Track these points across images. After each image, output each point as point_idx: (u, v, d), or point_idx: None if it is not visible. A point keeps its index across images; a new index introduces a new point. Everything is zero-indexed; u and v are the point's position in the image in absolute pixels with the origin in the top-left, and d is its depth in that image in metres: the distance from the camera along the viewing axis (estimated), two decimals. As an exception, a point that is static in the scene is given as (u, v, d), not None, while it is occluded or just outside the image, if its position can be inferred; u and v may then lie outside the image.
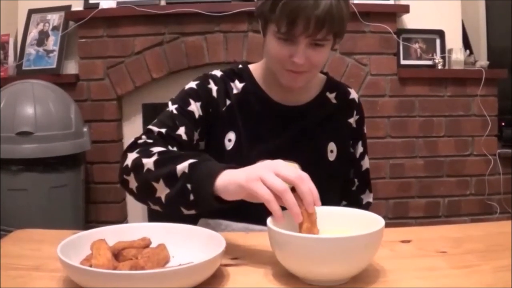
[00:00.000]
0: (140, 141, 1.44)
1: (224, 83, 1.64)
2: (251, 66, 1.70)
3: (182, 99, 1.58)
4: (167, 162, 1.28)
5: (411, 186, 3.81)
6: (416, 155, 3.80)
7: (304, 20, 1.40)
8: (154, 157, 1.31)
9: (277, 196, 1.08)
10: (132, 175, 1.35)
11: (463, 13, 3.91)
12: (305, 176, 1.12)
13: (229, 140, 1.60)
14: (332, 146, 1.66)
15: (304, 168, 1.59)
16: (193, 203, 1.21)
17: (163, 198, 1.27)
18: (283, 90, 1.61)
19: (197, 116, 1.56)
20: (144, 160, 1.32)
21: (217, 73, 1.67)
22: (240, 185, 1.12)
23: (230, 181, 1.15)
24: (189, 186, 1.21)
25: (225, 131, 1.60)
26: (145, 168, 1.30)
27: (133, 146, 1.42)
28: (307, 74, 1.53)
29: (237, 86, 1.65)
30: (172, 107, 1.56)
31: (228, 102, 1.62)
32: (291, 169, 1.13)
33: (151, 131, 1.49)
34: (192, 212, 1.25)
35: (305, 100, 1.67)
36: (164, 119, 1.53)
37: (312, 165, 1.60)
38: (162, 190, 1.27)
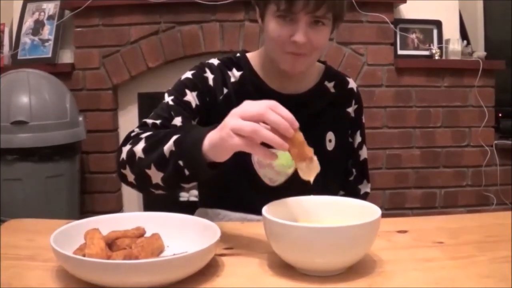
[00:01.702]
0: (133, 133, 1.42)
1: (221, 71, 1.62)
2: (249, 55, 1.69)
3: (178, 90, 1.57)
4: (154, 146, 1.26)
5: (407, 177, 3.81)
6: (413, 146, 3.79)
7: None
8: (142, 144, 1.30)
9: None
10: (127, 168, 1.33)
11: (461, 3, 3.90)
12: (272, 104, 1.10)
13: None
14: (330, 135, 1.66)
15: None
16: (190, 176, 1.20)
17: (160, 182, 1.26)
18: (281, 78, 1.59)
19: (193, 105, 1.55)
20: (135, 149, 1.30)
21: (214, 61, 1.65)
22: (220, 146, 1.12)
23: (211, 145, 1.14)
24: (180, 162, 1.19)
25: (223, 120, 1.59)
26: (137, 157, 1.29)
27: (126, 140, 1.40)
28: (307, 57, 1.51)
29: (234, 74, 1.63)
30: (168, 99, 1.55)
31: (225, 90, 1.61)
32: (255, 105, 1.11)
33: (145, 123, 1.48)
34: (195, 183, 1.27)
35: (304, 89, 1.66)
36: (159, 112, 1.52)
37: None
38: (156, 175, 1.25)
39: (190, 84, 1.58)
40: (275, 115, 1.08)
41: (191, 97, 1.56)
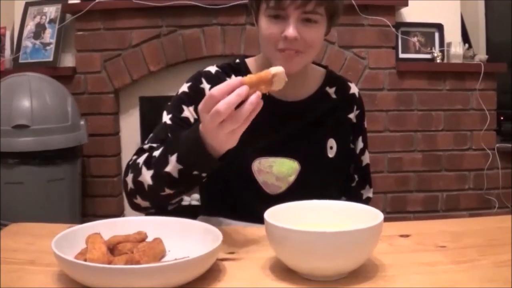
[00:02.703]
0: (131, 162, 1.43)
1: (219, 79, 1.60)
2: (248, 60, 1.67)
3: (175, 107, 1.57)
4: (160, 171, 1.29)
5: (409, 180, 3.81)
6: (414, 149, 3.79)
7: None
8: (145, 172, 1.33)
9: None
10: (138, 197, 1.37)
11: (462, 6, 3.90)
12: (216, 91, 1.14)
13: None
14: (332, 142, 1.64)
15: (303, 165, 1.58)
16: (205, 177, 1.29)
17: (179, 195, 1.34)
18: None
19: (192, 120, 1.55)
20: (140, 179, 1.34)
21: (212, 69, 1.64)
22: (221, 147, 1.20)
23: (215, 148, 1.21)
24: (195, 173, 1.25)
25: None
26: (146, 186, 1.33)
27: (127, 170, 1.42)
28: (302, 55, 1.49)
29: None
30: (166, 118, 1.55)
31: None
32: (204, 103, 1.16)
33: (142, 149, 1.48)
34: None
35: (304, 95, 1.64)
36: (158, 133, 1.53)
37: (312, 162, 1.59)
38: (174, 194, 1.32)
39: (186, 99, 1.57)
40: (227, 100, 1.12)
41: (188, 112, 1.55)
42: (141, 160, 1.37)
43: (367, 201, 1.75)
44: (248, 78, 1.14)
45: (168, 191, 1.31)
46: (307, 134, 1.62)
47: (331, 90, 1.68)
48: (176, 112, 1.55)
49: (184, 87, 1.60)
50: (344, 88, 1.72)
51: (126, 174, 1.41)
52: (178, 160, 1.25)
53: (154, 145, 1.48)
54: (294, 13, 1.42)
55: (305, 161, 1.59)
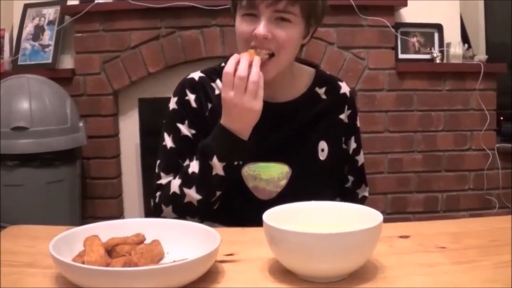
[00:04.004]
0: (157, 200, 1.55)
1: (203, 86, 1.61)
2: None
3: (173, 128, 1.59)
4: (207, 178, 1.45)
5: (409, 181, 3.80)
6: (414, 150, 3.78)
7: None
8: (189, 190, 1.47)
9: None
10: (188, 218, 1.48)
11: (462, 7, 3.90)
12: (228, 68, 1.39)
13: None
14: (323, 144, 1.62)
15: (294, 168, 1.57)
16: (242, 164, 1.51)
17: (222, 196, 1.50)
18: (268, 86, 1.48)
19: (191, 136, 1.57)
20: (186, 200, 1.47)
21: (196, 75, 1.63)
22: (246, 116, 1.41)
23: (238, 127, 1.43)
24: (236, 163, 1.46)
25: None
26: (195, 202, 1.47)
27: (158, 208, 1.54)
28: (274, 59, 1.47)
29: (219, 86, 1.60)
30: (167, 140, 1.58)
31: (209, 105, 1.59)
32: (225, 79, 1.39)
33: (160, 185, 1.57)
34: None
35: (293, 97, 1.62)
36: (168, 162, 1.58)
37: (303, 165, 1.58)
38: (220, 195, 1.49)
39: (178, 117, 1.59)
40: (238, 70, 1.38)
41: (185, 129, 1.57)
42: (174, 188, 1.48)
43: (363, 200, 1.75)
44: (243, 54, 1.41)
45: (218, 193, 1.47)
46: (297, 137, 1.60)
47: (321, 91, 1.66)
48: (175, 133, 1.58)
49: (173, 103, 1.62)
50: (335, 88, 1.69)
51: (160, 211, 1.51)
52: (220, 160, 1.42)
53: (170, 177, 1.55)
54: (265, 11, 1.41)
55: (296, 165, 1.58)
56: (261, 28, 1.42)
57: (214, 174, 1.43)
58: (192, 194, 1.46)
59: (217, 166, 1.42)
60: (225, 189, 1.47)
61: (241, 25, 1.47)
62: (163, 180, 1.56)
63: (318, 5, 1.49)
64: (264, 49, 1.45)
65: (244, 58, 1.39)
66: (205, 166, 1.43)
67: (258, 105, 1.39)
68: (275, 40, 1.44)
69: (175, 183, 1.49)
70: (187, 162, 1.53)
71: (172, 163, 1.57)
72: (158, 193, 1.55)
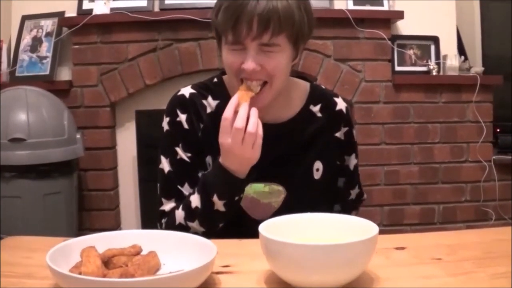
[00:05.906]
0: (164, 227, 1.57)
1: (193, 104, 1.58)
2: (226, 78, 1.60)
3: (168, 150, 1.58)
4: (208, 214, 1.48)
5: (406, 193, 3.80)
6: (411, 162, 3.79)
7: (246, 20, 1.37)
8: (193, 223, 1.50)
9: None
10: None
11: (458, 19, 3.91)
12: (227, 115, 1.38)
13: (209, 165, 1.57)
14: (318, 164, 1.61)
15: (289, 189, 1.57)
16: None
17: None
18: (262, 108, 1.46)
19: (187, 159, 1.57)
20: (192, 232, 1.48)
21: (186, 92, 1.61)
22: (244, 162, 1.42)
23: (236, 168, 1.43)
24: (237, 198, 1.47)
25: (205, 156, 1.58)
26: (200, 233, 1.46)
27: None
28: (267, 87, 1.46)
29: (210, 104, 1.59)
30: (165, 164, 1.58)
31: (201, 125, 1.58)
32: (222, 136, 1.40)
33: (164, 212, 1.58)
34: None
35: (287, 117, 1.60)
36: (166, 186, 1.59)
37: (298, 186, 1.57)
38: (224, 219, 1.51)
39: (172, 139, 1.58)
40: (236, 120, 1.37)
41: (181, 152, 1.56)
42: (179, 219, 1.51)
43: (360, 196, 1.74)
44: (238, 93, 1.42)
45: (221, 224, 1.50)
46: (292, 158, 1.59)
47: (316, 108, 1.63)
48: (171, 156, 1.58)
49: (165, 123, 1.60)
50: (330, 105, 1.66)
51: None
52: (220, 198, 1.44)
53: (172, 203, 1.57)
54: (251, 44, 1.40)
55: (291, 185, 1.57)
56: (250, 63, 1.41)
57: (216, 209, 1.46)
58: (196, 227, 1.49)
59: (218, 203, 1.44)
60: (228, 220, 1.50)
61: (229, 57, 1.46)
62: (166, 207, 1.57)
63: (304, 26, 1.45)
64: (255, 80, 1.44)
65: (243, 107, 1.38)
66: (207, 202, 1.46)
67: (255, 154, 1.40)
68: (264, 70, 1.42)
69: (180, 215, 1.51)
70: (189, 190, 1.55)
71: (171, 188, 1.58)
72: (163, 220, 1.57)
